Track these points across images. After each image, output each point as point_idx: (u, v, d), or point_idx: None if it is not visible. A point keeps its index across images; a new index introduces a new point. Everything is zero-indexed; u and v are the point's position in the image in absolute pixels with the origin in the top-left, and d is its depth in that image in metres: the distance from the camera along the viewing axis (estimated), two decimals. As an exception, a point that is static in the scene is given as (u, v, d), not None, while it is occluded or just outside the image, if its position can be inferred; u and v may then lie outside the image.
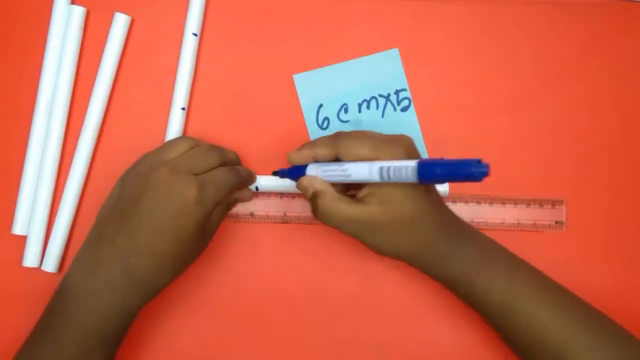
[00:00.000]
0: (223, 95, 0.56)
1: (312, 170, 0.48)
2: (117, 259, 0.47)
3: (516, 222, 0.55)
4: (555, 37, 0.56)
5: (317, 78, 0.56)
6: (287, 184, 0.53)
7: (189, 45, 0.55)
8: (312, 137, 0.56)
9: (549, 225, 0.55)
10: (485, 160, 0.40)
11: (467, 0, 0.56)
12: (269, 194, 0.55)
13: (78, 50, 0.55)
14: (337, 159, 0.48)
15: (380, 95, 0.56)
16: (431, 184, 0.42)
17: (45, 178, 0.54)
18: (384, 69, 0.56)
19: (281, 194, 0.55)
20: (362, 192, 0.47)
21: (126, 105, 0.56)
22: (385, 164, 0.44)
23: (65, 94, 0.55)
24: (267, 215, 0.55)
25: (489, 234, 0.50)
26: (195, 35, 0.55)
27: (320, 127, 0.56)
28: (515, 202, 0.55)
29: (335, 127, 0.56)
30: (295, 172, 0.50)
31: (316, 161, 0.49)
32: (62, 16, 0.55)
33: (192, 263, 0.50)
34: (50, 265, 0.54)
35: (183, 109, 0.55)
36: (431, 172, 0.42)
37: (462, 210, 0.55)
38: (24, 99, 0.55)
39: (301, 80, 0.56)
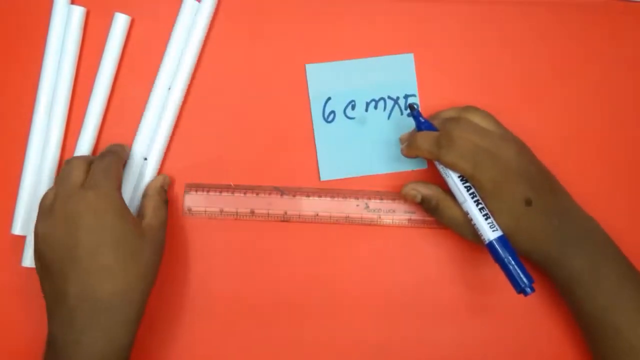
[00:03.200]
0: (232, 79, 0.56)
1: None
2: (81, 303, 0.45)
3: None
4: (554, 37, 0.57)
5: (330, 71, 0.56)
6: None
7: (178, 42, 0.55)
8: (317, 129, 0.56)
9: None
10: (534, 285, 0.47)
11: (465, 1, 0.57)
12: (269, 191, 0.55)
13: (78, 50, 0.55)
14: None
15: (389, 97, 0.56)
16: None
17: (44, 178, 0.54)
18: (397, 72, 0.56)
19: (282, 193, 0.55)
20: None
21: (126, 106, 0.56)
22: (474, 217, 0.49)
23: (65, 94, 0.55)
24: (268, 214, 0.55)
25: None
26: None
27: (326, 120, 0.56)
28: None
29: (340, 122, 0.56)
30: (424, 125, 0.52)
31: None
32: (62, 16, 0.55)
33: (157, 271, 0.49)
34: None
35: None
36: (496, 254, 0.48)
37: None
38: (24, 98, 0.55)
39: (313, 70, 0.56)
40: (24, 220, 0.54)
